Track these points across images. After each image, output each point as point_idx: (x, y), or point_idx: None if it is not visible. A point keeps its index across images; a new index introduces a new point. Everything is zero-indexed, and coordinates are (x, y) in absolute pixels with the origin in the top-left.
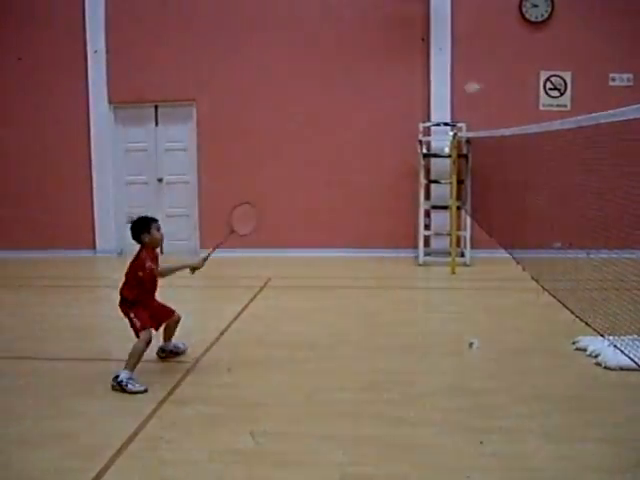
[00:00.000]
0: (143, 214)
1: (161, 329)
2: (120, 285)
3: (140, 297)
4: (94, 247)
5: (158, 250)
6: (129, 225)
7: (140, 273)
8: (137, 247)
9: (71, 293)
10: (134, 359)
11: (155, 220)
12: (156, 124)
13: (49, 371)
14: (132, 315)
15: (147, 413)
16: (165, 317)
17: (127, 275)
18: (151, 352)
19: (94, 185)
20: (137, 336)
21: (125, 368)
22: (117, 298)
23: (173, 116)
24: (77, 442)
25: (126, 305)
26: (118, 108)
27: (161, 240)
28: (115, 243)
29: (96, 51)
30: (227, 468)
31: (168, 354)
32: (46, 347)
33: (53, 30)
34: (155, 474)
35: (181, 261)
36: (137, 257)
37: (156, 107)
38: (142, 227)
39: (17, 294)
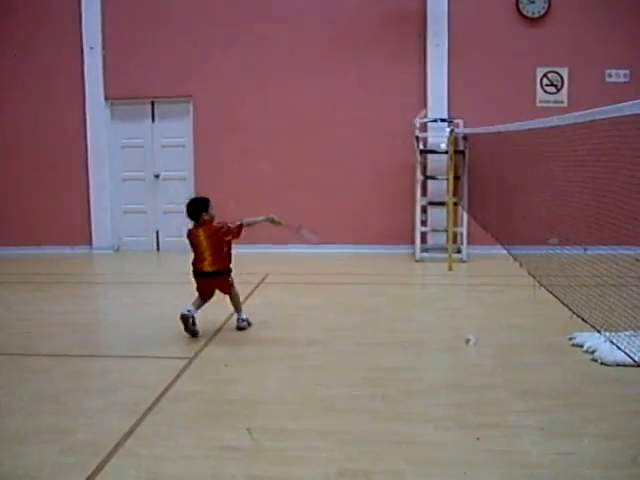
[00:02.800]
0: (199, 196)
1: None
2: (210, 263)
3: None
4: (90, 243)
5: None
6: (186, 204)
7: (229, 237)
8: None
9: (68, 289)
10: (240, 301)
11: (209, 200)
12: (153, 120)
13: (45, 367)
14: (231, 279)
15: (144, 409)
16: None
17: (216, 248)
18: (148, 348)
19: (90, 181)
20: (231, 287)
21: (241, 311)
22: (114, 289)
23: (170, 112)
24: (74, 438)
25: (228, 274)
26: (114, 104)
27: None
28: (111, 239)
29: (92, 47)
30: (224, 464)
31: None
32: (43, 343)
33: (49, 26)
34: (152, 470)
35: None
36: (214, 228)
37: (153, 103)
38: (203, 207)
39: (13, 291)
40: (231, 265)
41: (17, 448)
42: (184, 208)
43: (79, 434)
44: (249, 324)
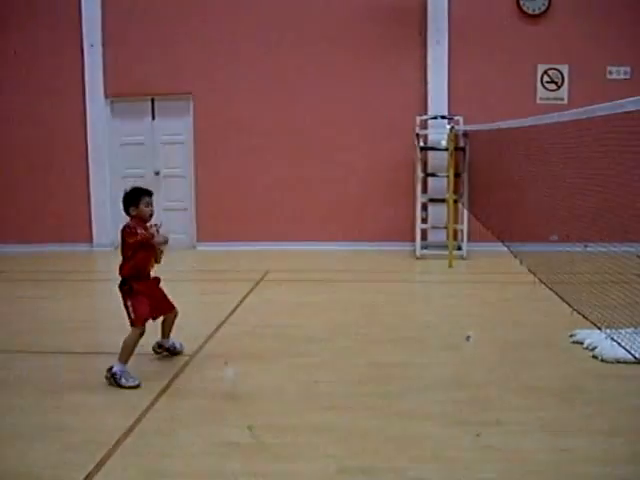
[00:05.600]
0: (138, 185)
1: (159, 321)
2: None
3: (135, 273)
4: (91, 241)
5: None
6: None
7: (131, 240)
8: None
9: (68, 287)
10: (127, 352)
11: (148, 193)
12: (153, 118)
13: (46, 364)
14: (129, 304)
15: (144, 406)
16: (165, 310)
17: (122, 250)
18: (148, 345)
19: (91, 179)
20: (131, 326)
21: (119, 361)
22: (116, 286)
23: (170, 109)
24: (74, 435)
25: (125, 289)
26: (115, 102)
27: (150, 216)
28: (112, 237)
29: (92, 45)
30: (224, 461)
31: (165, 350)
32: (43, 341)
33: (49, 24)
34: (152, 467)
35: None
36: (126, 225)
37: (153, 100)
38: (132, 200)
39: (14, 288)
40: (126, 274)
41: (18, 445)
42: (183, 206)
43: (80, 431)
44: (114, 380)
